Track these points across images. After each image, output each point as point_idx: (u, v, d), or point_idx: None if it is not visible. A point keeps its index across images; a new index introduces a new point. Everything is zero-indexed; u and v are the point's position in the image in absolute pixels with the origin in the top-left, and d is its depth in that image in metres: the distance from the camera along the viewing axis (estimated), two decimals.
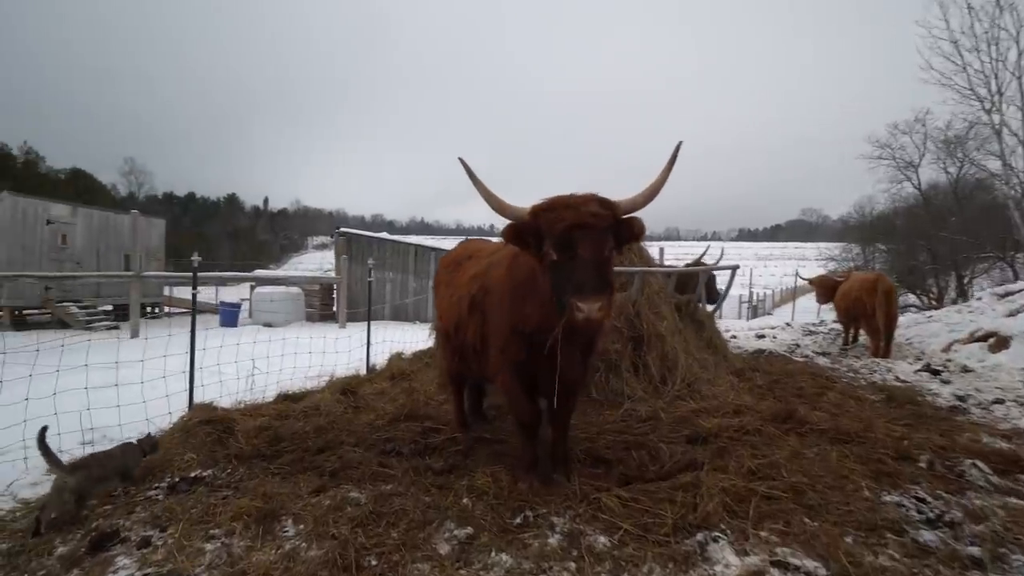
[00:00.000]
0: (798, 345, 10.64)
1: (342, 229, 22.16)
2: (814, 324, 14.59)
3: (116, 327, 15.76)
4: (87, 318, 16.35)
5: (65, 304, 16.40)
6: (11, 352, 4.47)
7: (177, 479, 3.63)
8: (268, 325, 17.62)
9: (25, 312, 17.13)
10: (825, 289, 11.33)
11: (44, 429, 3.28)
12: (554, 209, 2.77)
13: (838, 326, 12.05)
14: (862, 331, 10.22)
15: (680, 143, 3.08)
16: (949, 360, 8.29)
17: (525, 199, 2.97)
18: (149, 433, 4.36)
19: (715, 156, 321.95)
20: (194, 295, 5.21)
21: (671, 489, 3.25)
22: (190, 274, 5.37)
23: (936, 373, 7.37)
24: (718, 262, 9.17)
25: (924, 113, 22.47)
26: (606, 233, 2.73)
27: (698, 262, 9.24)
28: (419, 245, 21.15)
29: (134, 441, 3.92)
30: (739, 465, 3.58)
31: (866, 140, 24.48)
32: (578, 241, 2.64)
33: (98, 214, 18.82)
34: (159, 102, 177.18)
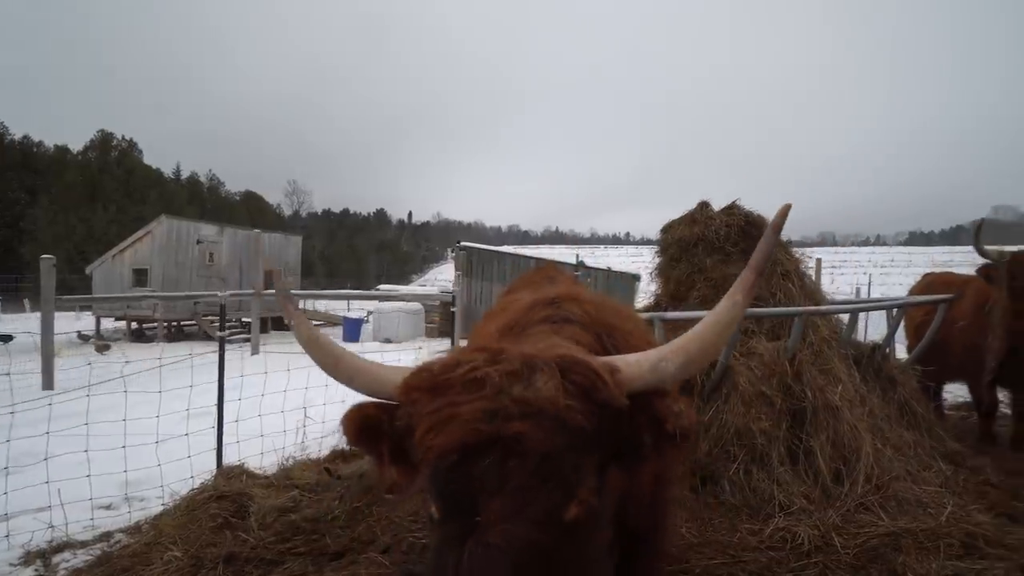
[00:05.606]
0: None
1: (462, 243, 21.81)
2: None
3: (247, 339, 16.70)
4: (227, 331, 17.58)
5: (209, 317, 17.75)
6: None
7: None
8: (388, 341, 17.78)
9: (182, 324, 18.91)
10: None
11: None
12: (442, 391, 1.08)
13: None
14: None
15: (788, 206, 1.39)
16: None
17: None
18: None
19: (876, 149, 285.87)
20: (222, 339, 4.46)
21: None
22: (309, 292, 4.79)
23: None
24: None
25: None
26: (571, 458, 1.02)
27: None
28: (540, 259, 20.27)
29: None
30: None
31: None
32: (479, 491, 0.99)
33: (241, 233, 20.26)
34: (317, 125, 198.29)
